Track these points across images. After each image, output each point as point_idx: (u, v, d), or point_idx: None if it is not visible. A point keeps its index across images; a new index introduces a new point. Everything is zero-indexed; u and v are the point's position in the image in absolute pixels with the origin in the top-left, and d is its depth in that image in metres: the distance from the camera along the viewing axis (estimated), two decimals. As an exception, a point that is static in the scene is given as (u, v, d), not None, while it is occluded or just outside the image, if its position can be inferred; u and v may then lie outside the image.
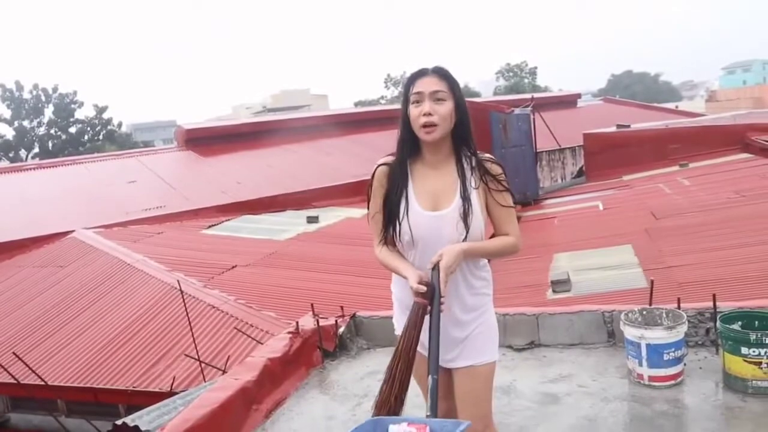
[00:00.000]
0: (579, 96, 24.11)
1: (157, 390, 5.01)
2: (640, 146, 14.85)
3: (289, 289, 7.02)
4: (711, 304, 3.52)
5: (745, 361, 2.94)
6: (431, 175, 2.11)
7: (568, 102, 23.74)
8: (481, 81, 54.20)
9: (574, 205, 12.20)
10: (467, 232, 2.03)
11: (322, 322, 4.05)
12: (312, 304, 4.29)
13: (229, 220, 10.90)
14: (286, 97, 51.72)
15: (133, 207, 11.89)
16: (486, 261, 2.19)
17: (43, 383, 5.35)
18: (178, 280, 6.07)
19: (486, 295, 2.19)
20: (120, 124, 40.74)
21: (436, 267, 1.98)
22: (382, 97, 54.02)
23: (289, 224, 10.53)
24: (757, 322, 3.09)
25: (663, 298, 4.06)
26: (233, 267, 7.79)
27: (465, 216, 2.03)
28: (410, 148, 2.11)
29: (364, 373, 3.76)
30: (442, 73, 2.06)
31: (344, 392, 3.54)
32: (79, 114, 38.69)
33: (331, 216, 11.23)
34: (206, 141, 16.55)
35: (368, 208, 2.21)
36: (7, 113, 36.86)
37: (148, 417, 3.50)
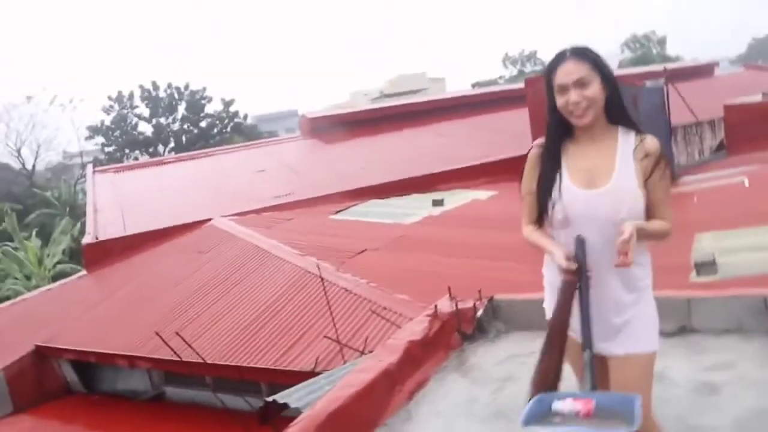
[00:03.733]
0: (716, 64, 22.39)
1: (298, 369, 5.24)
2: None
3: (419, 273, 7.09)
4: None
5: None
6: (586, 153, 2.05)
7: (705, 71, 22.12)
8: (604, 54, 51.43)
9: (715, 181, 11.36)
10: (626, 212, 1.96)
11: (459, 305, 4.05)
12: (449, 287, 4.30)
13: (355, 205, 11.16)
14: (402, 81, 51.96)
15: (264, 195, 12.50)
16: (645, 245, 2.10)
17: (200, 360, 5.75)
18: (317, 265, 6.27)
19: (645, 281, 2.10)
20: (246, 116, 42.80)
21: (581, 245, 1.93)
22: (501, 77, 52.99)
23: (415, 208, 10.61)
24: None
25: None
26: (363, 251, 7.98)
27: (624, 195, 1.96)
28: (561, 130, 2.06)
29: (503, 357, 3.73)
30: (580, 55, 1.99)
31: (485, 376, 3.53)
32: (209, 109, 41.11)
33: (455, 199, 11.20)
34: (329, 129, 17.06)
35: (520, 191, 2.18)
36: (146, 111, 39.86)
37: (297, 395, 3.67)
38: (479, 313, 4.07)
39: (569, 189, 2.03)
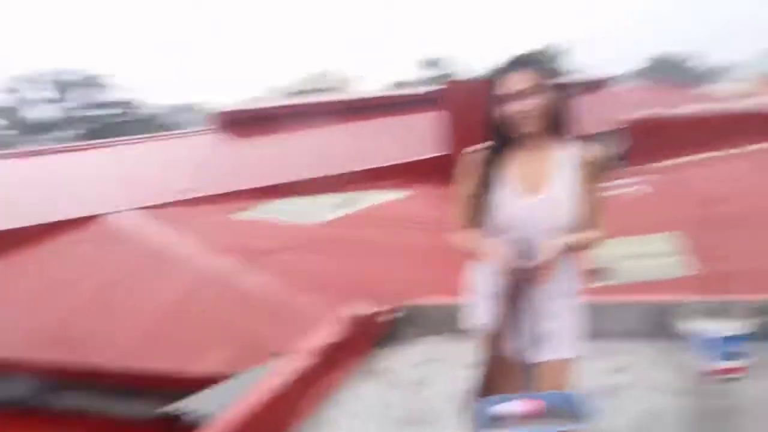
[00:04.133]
0: (617, 77, 23.57)
1: (205, 374, 5.07)
2: (685, 130, 14.47)
3: (330, 274, 7.03)
4: (773, 296, 3.44)
5: (817, 356, 2.86)
6: (527, 160, 2.08)
7: (605, 84, 23.25)
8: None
9: (613, 191, 11.99)
10: (563, 219, 2.01)
11: (373, 309, 4.05)
12: (362, 290, 4.29)
13: (266, 203, 10.95)
14: (319, 78, 51.71)
15: (169, 189, 12.02)
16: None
17: (88, 366, 5.45)
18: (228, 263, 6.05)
19: (573, 288, 2.17)
20: (151, 107, 41.27)
21: (523, 247, 1.96)
22: (416, 79, 53.68)
23: (327, 207, 10.53)
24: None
25: (711, 289, 3.95)
26: (273, 250, 7.84)
27: (562, 202, 2.01)
28: (503, 136, 2.09)
29: (417, 361, 3.76)
30: (526, 64, 2.02)
31: (398, 379, 3.55)
32: (109, 96, 39.30)
33: (367, 199, 11.20)
34: (241, 123, 16.66)
35: (456, 194, 2.19)
36: (43, 96, 37.61)
37: (206, 400, 3.56)
38: (393, 316, 4.08)
39: (509, 195, 2.06)
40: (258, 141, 15.65)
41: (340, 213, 10.02)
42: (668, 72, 48.62)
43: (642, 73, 50.04)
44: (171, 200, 10.92)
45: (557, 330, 2.10)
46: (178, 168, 13.37)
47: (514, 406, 1.75)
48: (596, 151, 2.10)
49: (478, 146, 2.17)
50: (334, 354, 3.63)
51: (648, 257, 6.78)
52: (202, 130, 18.58)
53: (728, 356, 3.03)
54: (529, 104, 1.98)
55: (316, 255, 7.70)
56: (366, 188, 12.39)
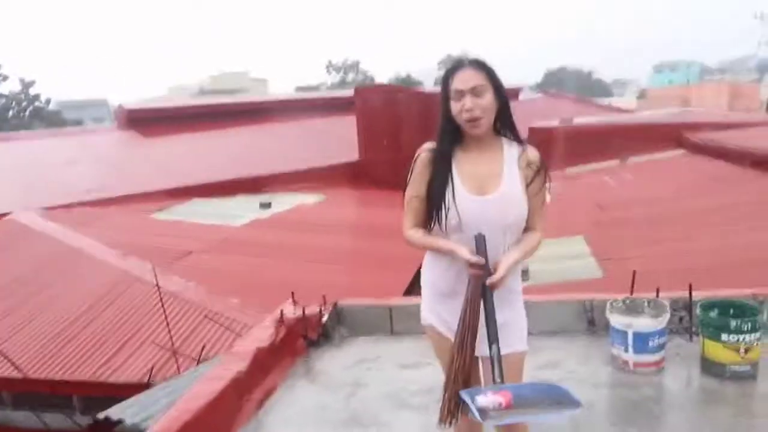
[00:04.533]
0: (520, 89, 24.57)
1: (123, 381, 4.85)
2: (581, 140, 15.29)
3: (249, 276, 6.92)
4: (683, 293, 3.71)
5: (725, 346, 3.11)
6: (476, 160, 2.13)
7: (510, 95, 24.16)
8: (421, 70, 54.48)
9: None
10: (512, 217, 2.08)
11: (303, 311, 4.01)
12: (285, 292, 4.24)
13: (179, 204, 10.61)
14: (224, 79, 50.61)
15: (75, 188, 11.42)
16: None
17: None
18: (153, 267, 5.81)
19: (518, 285, 2.25)
20: (48, 101, 38.87)
21: (481, 239, 2.01)
22: (323, 84, 53.54)
23: (242, 209, 10.35)
24: (732, 310, 3.27)
25: (620, 289, 4.20)
26: (189, 253, 7.61)
27: (511, 200, 2.07)
28: (452, 136, 2.13)
29: (350, 362, 3.76)
30: (478, 65, 2.08)
31: (333, 381, 3.53)
32: (3, 89, 36.71)
33: (283, 202, 11.11)
34: (149, 122, 16.07)
35: (405, 193, 2.20)
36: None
37: (131, 410, 3.40)
38: (325, 318, 4.07)
39: (461, 194, 2.10)
40: (166, 140, 15.14)
41: (257, 215, 9.87)
42: (565, 85, 51.12)
43: (540, 86, 52.35)
44: (80, 200, 10.39)
45: (508, 325, 2.17)
46: (85, 166, 12.70)
47: (488, 398, 1.80)
48: (536, 152, 2.19)
49: (429, 145, 2.21)
50: (268, 357, 3.57)
51: (558, 259, 7.13)
52: (108, 128, 17.74)
53: (648, 350, 3.24)
54: (477, 102, 2.04)
55: (236, 257, 7.55)
56: (281, 191, 12.28)
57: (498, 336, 1.98)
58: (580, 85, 56.07)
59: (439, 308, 2.24)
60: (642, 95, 42.13)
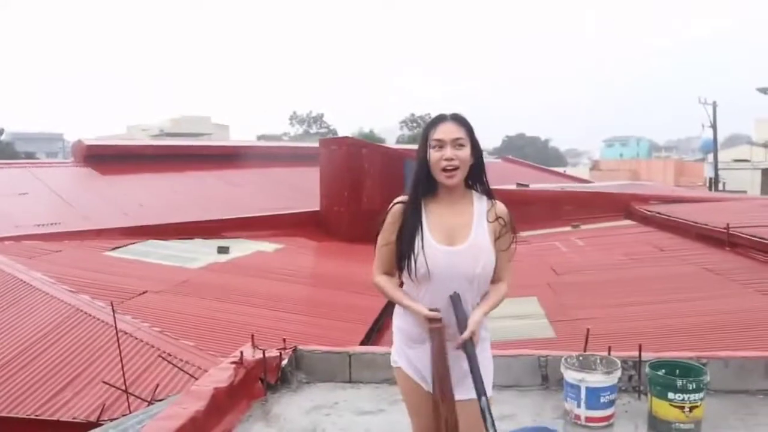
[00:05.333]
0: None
1: (68, 419, 4.69)
2: (537, 205, 15.76)
3: (204, 319, 6.83)
4: (632, 353, 3.86)
5: (671, 405, 3.26)
6: (447, 212, 2.24)
7: (469, 157, 24.84)
8: (384, 128, 55.57)
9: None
10: (480, 268, 2.18)
11: (261, 354, 4.00)
12: (252, 335, 4.24)
13: (134, 243, 10.44)
14: (185, 122, 50.35)
15: (25, 221, 11.13)
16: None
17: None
18: (111, 303, 5.69)
19: (486, 332, 2.34)
20: (1, 132, 38.02)
21: (457, 298, 2.11)
22: (285, 134, 53.93)
23: (199, 252, 10.25)
24: (678, 370, 3.43)
25: (571, 348, 4.34)
26: (144, 292, 7.48)
27: (479, 252, 2.18)
28: (426, 187, 2.24)
29: (307, 407, 3.76)
30: (460, 120, 2.22)
31: (290, 426, 3.53)
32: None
33: (240, 248, 11.05)
34: (107, 159, 15.88)
35: (376, 241, 2.30)
36: None
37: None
38: (284, 362, 4.07)
39: (431, 245, 2.20)
40: (125, 179, 14.95)
41: (215, 259, 9.79)
42: (523, 151, 52.76)
43: (499, 151, 53.89)
44: (30, 233, 10.13)
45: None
46: (38, 199, 12.43)
47: None
48: (504, 207, 2.33)
49: (402, 197, 2.32)
50: (226, 398, 3.54)
51: (512, 318, 7.27)
52: (64, 162, 17.44)
53: (599, 405, 3.35)
54: (457, 154, 2.17)
55: (192, 299, 7.46)
56: (239, 237, 12.22)
57: (484, 390, 2.07)
58: (537, 153, 57.98)
59: (409, 353, 2.32)
60: (594, 166, 43.82)
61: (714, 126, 28.32)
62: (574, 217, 15.38)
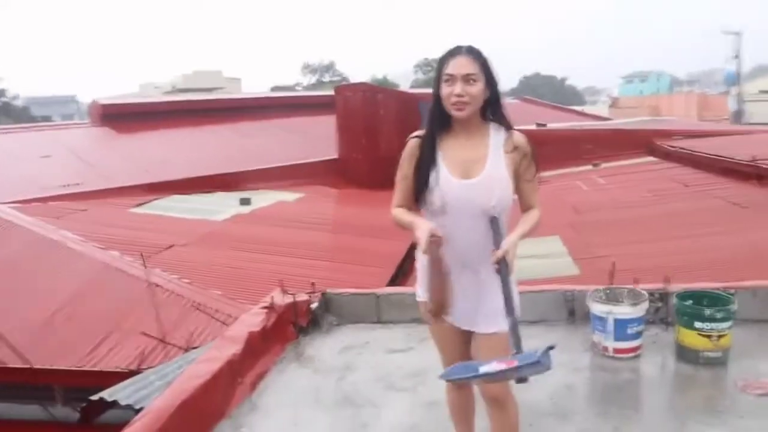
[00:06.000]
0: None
1: (113, 369, 4.85)
2: (556, 145, 15.55)
3: (232, 269, 6.95)
4: (659, 285, 3.89)
5: (699, 334, 3.29)
6: (463, 145, 2.23)
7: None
8: (397, 74, 54.80)
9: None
10: (495, 200, 2.18)
11: (292, 298, 4.09)
12: (281, 281, 4.32)
13: (156, 199, 10.57)
14: (197, 78, 50.10)
15: (50, 183, 11.28)
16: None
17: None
18: (142, 256, 5.81)
19: (509, 268, 2.35)
20: (16, 97, 38.19)
21: (495, 222, 2.12)
22: (298, 84, 53.48)
23: (222, 205, 10.35)
24: (705, 300, 3.45)
25: (597, 284, 4.35)
26: (170, 246, 7.61)
27: (494, 183, 2.18)
28: (441, 121, 2.23)
29: (339, 348, 3.86)
30: (474, 54, 2.16)
31: (324, 366, 3.63)
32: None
33: (262, 199, 11.14)
34: (123, 118, 15.90)
35: (396, 175, 2.30)
36: None
37: (125, 392, 3.46)
38: (314, 306, 4.16)
39: (446, 178, 2.20)
40: (142, 136, 15.02)
41: (237, 211, 9.89)
42: (539, 91, 51.87)
43: (516, 92, 53.02)
44: (56, 194, 10.30)
45: (498, 306, 2.26)
46: (60, 161, 12.57)
47: (492, 366, 1.93)
48: (522, 136, 2.29)
49: (419, 132, 2.31)
50: (260, 342, 3.65)
51: (535, 257, 7.30)
52: (81, 123, 17.52)
53: (627, 336, 3.40)
54: (467, 90, 2.12)
55: (218, 251, 7.58)
56: (260, 188, 12.31)
57: (513, 310, 2.09)
58: (554, 92, 56.98)
59: None
60: (614, 104, 42.96)
61: (738, 57, 27.49)
62: (594, 156, 15.19)
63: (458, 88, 2.12)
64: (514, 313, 2.08)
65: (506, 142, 2.23)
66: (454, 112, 2.17)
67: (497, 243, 2.12)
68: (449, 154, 2.23)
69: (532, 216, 2.30)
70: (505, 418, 2.34)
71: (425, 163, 2.22)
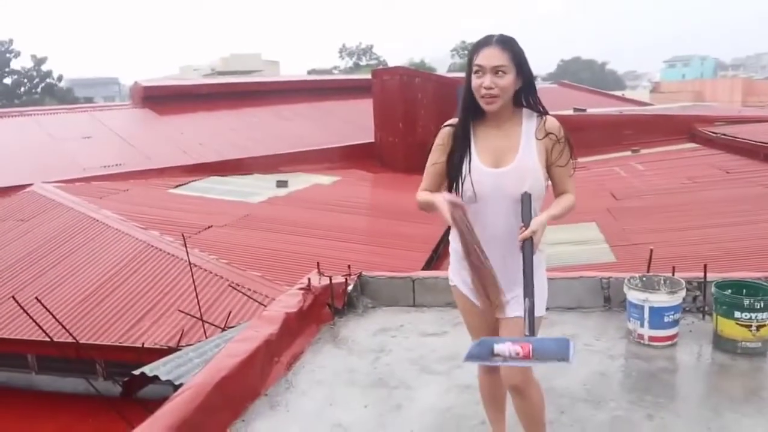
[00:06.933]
0: (535, 78, 24.54)
1: (153, 346, 5.00)
2: (595, 130, 15.35)
3: (268, 251, 7.08)
4: (697, 274, 3.83)
5: (738, 324, 3.24)
6: (494, 134, 2.22)
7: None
8: (434, 58, 54.32)
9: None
10: (527, 187, 2.15)
11: (328, 280, 4.15)
12: (318, 263, 4.38)
13: (195, 180, 10.77)
14: (236, 60, 50.45)
15: (92, 163, 11.60)
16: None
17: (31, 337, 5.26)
18: (183, 236, 5.94)
19: (542, 252, 2.35)
20: (60, 78, 39.01)
21: (527, 198, 2.12)
22: (336, 67, 53.50)
23: (259, 187, 10.50)
24: (745, 290, 3.40)
25: (634, 271, 4.31)
26: (209, 227, 7.77)
27: (526, 172, 2.16)
28: (473, 110, 2.22)
29: (374, 330, 3.90)
30: (504, 44, 2.12)
31: (359, 347, 3.68)
32: (15, 65, 36.88)
33: (299, 181, 11.26)
34: (164, 100, 16.18)
35: (427, 162, 2.31)
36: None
37: (165, 368, 3.55)
38: (350, 288, 4.21)
39: (478, 167, 2.20)
40: (182, 118, 15.27)
41: (274, 193, 10.02)
42: (579, 76, 50.92)
43: (554, 76, 52.14)
44: (97, 174, 10.57)
45: (532, 311, 2.24)
46: (101, 142, 12.87)
47: (506, 347, 1.93)
48: (555, 122, 2.26)
49: (452, 120, 2.31)
50: (296, 322, 3.71)
51: (572, 244, 7.25)
52: (123, 105, 17.88)
53: (663, 324, 3.37)
54: (497, 82, 2.10)
55: (256, 232, 7.71)
56: (296, 171, 12.43)
57: (533, 292, 2.07)
58: (594, 77, 55.84)
59: (463, 272, 2.37)
60: (655, 89, 41.95)
61: (787, 40, 26.45)
62: (633, 142, 14.94)
63: (487, 80, 2.10)
64: (532, 295, 2.06)
65: (538, 128, 2.21)
66: (484, 106, 2.15)
67: (526, 220, 2.11)
68: (481, 142, 2.23)
69: (565, 200, 2.27)
70: (527, 405, 2.34)
71: (458, 152, 2.22)
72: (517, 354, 1.92)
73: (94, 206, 8.42)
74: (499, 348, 1.90)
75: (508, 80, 2.12)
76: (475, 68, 2.14)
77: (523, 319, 2.22)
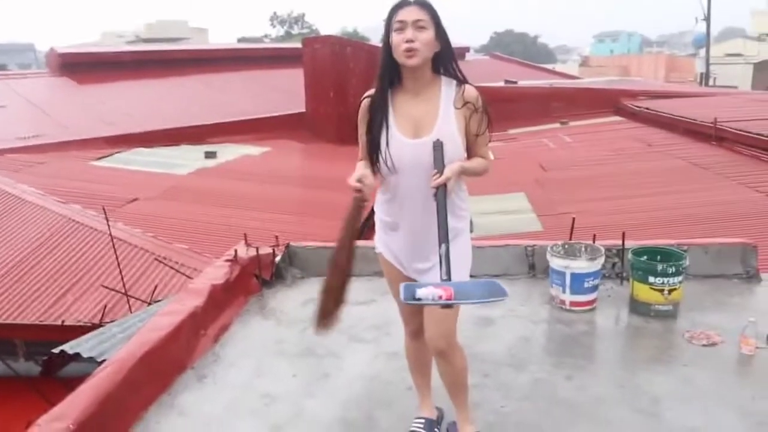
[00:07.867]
0: (467, 50, 24.71)
1: (73, 323, 4.83)
2: (525, 102, 15.62)
3: (196, 223, 6.92)
4: (616, 242, 3.99)
5: (651, 288, 3.40)
6: (413, 102, 2.20)
7: (458, 55, 24.27)
8: (367, 27, 53.82)
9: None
10: (447, 158, 2.12)
11: (255, 251, 4.09)
12: (245, 234, 4.31)
13: (119, 152, 10.36)
14: (162, 27, 48.48)
15: (5, 135, 10.97)
16: (465, 187, 2.36)
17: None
18: (104, 209, 5.71)
19: (465, 219, 2.36)
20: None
21: (439, 146, 2.12)
22: (266, 35, 52.27)
23: (187, 159, 10.21)
24: (659, 256, 3.56)
25: (559, 239, 4.45)
26: (134, 200, 7.52)
27: (445, 141, 2.14)
28: (391, 77, 2.20)
29: (302, 301, 3.89)
30: (423, 3, 2.13)
31: (287, 318, 3.66)
32: None
33: (228, 152, 11.01)
34: (84, 67, 15.44)
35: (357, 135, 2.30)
36: None
37: (87, 345, 3.44)
38: (278, 258, 4.17)
39: (396, 138, 2.18)
40: (103, 87, 14.63)
41: (202, 165, 9.77)
42: (511, 48, 51.59)
43: (486, 48, 52.68)
44: (12, 146, 10.01)
45: (453, 257, 2.26)
46: (16, 112, 12.18)
47: (428, 291, 1.92)
48: (474, 90, 2.27)
49: (371, 91, 2.28)
50: (222, 294, 3.66)
51: (501, 213, 7.41)
52: (39, 73, 16.95)
53: (583, 290, 3.50)
54: (418, 36, 2.09)
55: (183, 204, 7.51)
56: (225, 141, 12.14)
57: (448, 237, 2.05)
58: (525, 50, 56.75)
59: (386, 239, 2.38)
60: (584, 63, 43.02)
61: (708, 19, 27.57)
62: (562, 114, 15.30)
63: (409, 33, 2.08)
64: (447, 241, 2.06)
65: (457, 97, 2.20)
66: (405, 60, 2.12)
67: (438, 167, 2.10)
68: (400, 111, 2.21)
69: (479, 160, 2.28)
70: (450, 370, 2.38)
71: (376, 124, 2.20)
72: (440, 297, 1.92)
73: (10, 180, 7.99)
74: (421, 292, 1.90)
75: (429, 35, 2.11)
76: (396, 25, 2.11)
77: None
